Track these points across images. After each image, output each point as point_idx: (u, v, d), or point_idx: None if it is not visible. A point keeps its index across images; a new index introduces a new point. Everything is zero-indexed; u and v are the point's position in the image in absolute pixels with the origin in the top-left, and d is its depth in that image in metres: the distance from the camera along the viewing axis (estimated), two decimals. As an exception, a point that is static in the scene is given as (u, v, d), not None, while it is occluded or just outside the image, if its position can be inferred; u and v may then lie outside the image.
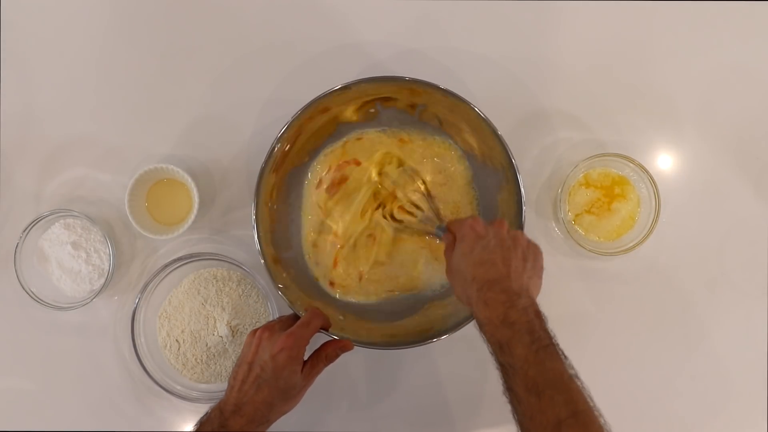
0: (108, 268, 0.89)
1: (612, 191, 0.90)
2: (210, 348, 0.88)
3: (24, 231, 0.88)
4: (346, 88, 0.82)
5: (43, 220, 0.89)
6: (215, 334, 0.88)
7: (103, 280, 0.89)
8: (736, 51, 0.93)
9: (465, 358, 0.91)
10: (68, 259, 0.89)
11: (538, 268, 0.73)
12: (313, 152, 0.89)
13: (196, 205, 0.88)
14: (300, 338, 0.76)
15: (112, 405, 0.92)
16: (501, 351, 0.66)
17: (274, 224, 0.86)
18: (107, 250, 0.89)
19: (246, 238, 0.91)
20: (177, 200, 0.91)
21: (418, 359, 0.91)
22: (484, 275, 0.69)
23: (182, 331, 0.89)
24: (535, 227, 0.92)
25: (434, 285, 0.89)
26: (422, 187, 0.88)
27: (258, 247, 0.82)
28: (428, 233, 0.87)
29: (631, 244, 0.87)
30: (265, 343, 0.76)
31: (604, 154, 0.88)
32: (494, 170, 0.86)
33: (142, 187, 0.90)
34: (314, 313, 0.80)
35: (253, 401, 0.74)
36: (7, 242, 0.91)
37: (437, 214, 0.86)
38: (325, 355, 0.79)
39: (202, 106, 0.93)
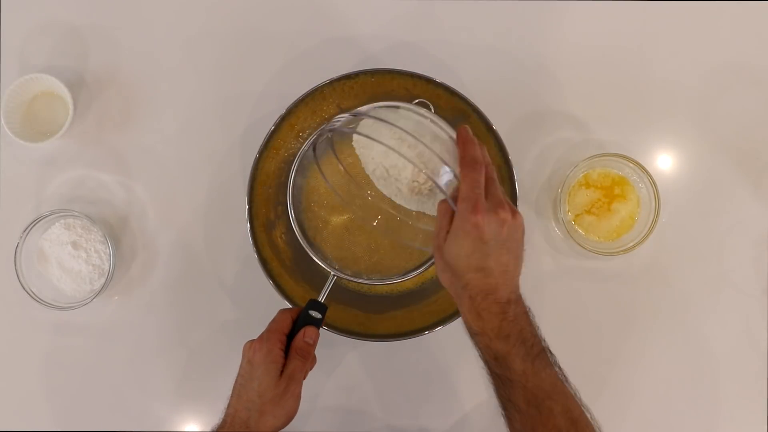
0: (108, 268, 0.89)
1: (612, 191, 0.90)
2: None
3: (24, 231, 0.88)
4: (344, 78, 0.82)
5: (43, 220, 0.89)
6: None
7: (103, 280, 0.89)
8: (735, 51, 0.93)
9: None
10: (68, 259, 0.89)
11: (521, 255, 0.68)
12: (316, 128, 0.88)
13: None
14: (269, 332, 0.73)
15: (111, 405, 0.92)
16: (496, 363, 0.65)
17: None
18: (107, 250, 0.89)
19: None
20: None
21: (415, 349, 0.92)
22: (477, 284, 0.65)
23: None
24: (535, 227, 0.92)
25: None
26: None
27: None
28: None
29: (631, 244, 0.87)
30: (246, 351, 0.74)
31: (603, 155, 0.88)
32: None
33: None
34: (281, 312, 0.77)
35: (234, 409, 0.72)
36: (8, 242, 0.90)
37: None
38: (295, 349, 0.74)
39: (199, 97, 0.93)
